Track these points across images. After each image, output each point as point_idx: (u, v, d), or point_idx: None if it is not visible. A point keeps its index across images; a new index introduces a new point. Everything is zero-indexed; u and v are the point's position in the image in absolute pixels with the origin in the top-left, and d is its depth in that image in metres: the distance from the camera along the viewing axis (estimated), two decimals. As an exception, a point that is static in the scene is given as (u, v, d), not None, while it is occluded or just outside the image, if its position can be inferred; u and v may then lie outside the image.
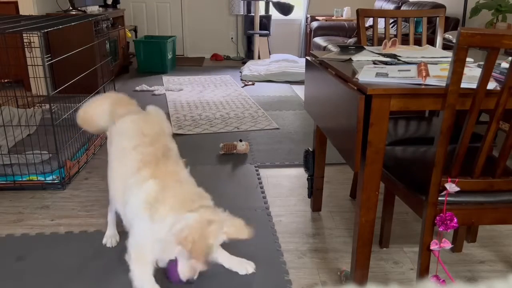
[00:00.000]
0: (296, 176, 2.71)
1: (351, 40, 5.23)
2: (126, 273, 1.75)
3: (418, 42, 2.21)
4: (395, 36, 2.30)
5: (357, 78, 1.45)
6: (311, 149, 2.21)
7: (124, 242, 1.95)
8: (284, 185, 2.58)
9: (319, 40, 5.79)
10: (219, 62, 6.66)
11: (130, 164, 1.56)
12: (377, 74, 1.47)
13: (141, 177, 1.52)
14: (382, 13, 2.49)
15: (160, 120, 1.77)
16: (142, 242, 1.52)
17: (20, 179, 2.44)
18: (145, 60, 5.62)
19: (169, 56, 5.74)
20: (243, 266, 1.75)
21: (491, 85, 1.32)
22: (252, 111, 4.01)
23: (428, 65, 1.53)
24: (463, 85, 1.28)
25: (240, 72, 5.70)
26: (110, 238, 1.96)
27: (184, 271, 1.47)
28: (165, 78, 5.34)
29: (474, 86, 1.29)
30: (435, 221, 1.42)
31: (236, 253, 1.83)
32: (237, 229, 1.48)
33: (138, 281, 1.53)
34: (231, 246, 1.85)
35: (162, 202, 1.44)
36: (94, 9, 5.15)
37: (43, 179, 2.46)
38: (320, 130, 2.03)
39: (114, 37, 5.12)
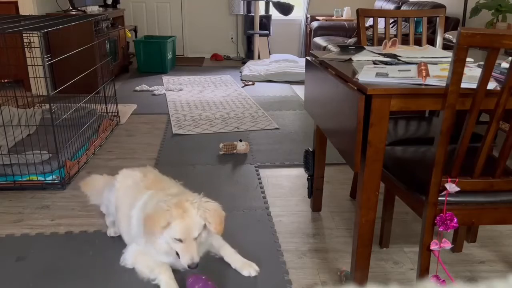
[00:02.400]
0: (296, 176, 2.71)
1: (351, 40, 5.23)
2: (126, 273, 1.75)
3: (418, 42, 2.21)
4: (395, 36, 2.30)
5: (357, 78, 1.45)
6: (311, 149, 2.21)
7: (123, 240, 1.96)
8: (284, 185, 2.58)
9: (319, 40, 5.79)
10: (219, 62, 6.66)
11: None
12: (377, 74, 1.47)
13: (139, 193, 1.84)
14: (382, 13, 2.49)
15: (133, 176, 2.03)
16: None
17: (20, 179, 2.44)
18: (145, 60, 5.62)
19: (169, 56, 5.74)
20: (246, 268, 1.76)
21: (491, 85, 1.32)
22: (252, 111, 4.01)
23: (428, 65, 1.53)
24: (463, 85, 1.28)
25: (240, 72, 5.70)
26: (116, 228, 2.03)
27: (186, 257, 1.59)
28: (165, 78, 5.34)
29: (474, 86, 1.29)
30: (435, 221, 1.42)
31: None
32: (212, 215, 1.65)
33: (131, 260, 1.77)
34: (231, 247, 1.85)
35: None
36: (94, 9, 5.15)
37: (43, 179, 2.46)
38: (320, 130, 2.03)
39: (114, 37, 5.12)
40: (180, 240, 1.59)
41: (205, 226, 1.64)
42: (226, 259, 1.80)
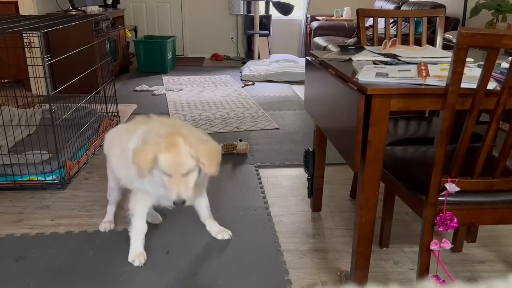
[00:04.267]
0: (296, 176, 2.71)
1: (351, 40, 5.23)
2: (126, 273, 1.76)
3: (418, 42, 2.21)
4: (395, 36, 2.30)
5: (357, 78, 1.45)
6: (311, 149, 2.21)
7: (123, 240, 1.96)
8: (284, 185, 2.58)
9: (319, 40, 5.79)
10: (219, 62, 6.66)
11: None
12: (377, 74, 1.47)
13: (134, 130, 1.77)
14: (382, 13, 2.49)
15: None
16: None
17: (20, 179, 2.44)
18: (145, 60, 5.62)
19: (169, 56, 5.74)
20: (221, 233, 1.99)
21: (491, 85, 1.32)
22: (252, 111, 4.01)
23: (428, 65, 1.53)
24: (463, 85, 1.28)
25: (240, 72, 5.70)
26: (107, 223, 2.08)
27: (173, 191, 1.57)
28: (165, 78, 5.34)
29: (474, 86, 1.29)
30: (435, 221, 1.42)
31: (236, 254, 1.83)
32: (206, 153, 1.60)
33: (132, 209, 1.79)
34: (231, 247, 1.85)
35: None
36: (94, 9, 5.15)
37: (43, 179, 2.46)
38: (320, 130, 2.03)
39: (114, 37, 5.12)
40: (169, 175, 1.57)
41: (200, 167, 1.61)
42: (207, 228, 2.01)
